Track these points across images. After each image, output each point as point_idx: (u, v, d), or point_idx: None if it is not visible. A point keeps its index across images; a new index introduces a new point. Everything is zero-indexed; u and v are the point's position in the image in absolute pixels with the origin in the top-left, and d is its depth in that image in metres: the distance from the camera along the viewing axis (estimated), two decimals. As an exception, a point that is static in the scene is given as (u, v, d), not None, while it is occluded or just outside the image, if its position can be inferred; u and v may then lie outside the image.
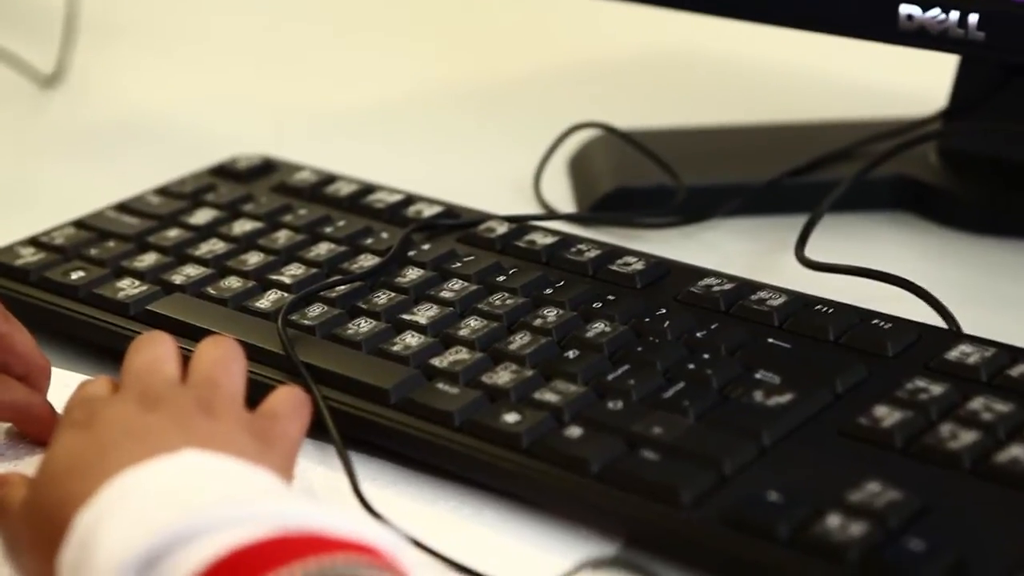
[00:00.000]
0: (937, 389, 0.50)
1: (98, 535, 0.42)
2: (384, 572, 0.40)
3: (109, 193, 0.70)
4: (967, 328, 0.57)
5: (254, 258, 0.61)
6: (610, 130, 0.74)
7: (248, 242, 0.63)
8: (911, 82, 0.80)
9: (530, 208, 0.73)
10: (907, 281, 0.59)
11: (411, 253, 0.61)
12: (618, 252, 0.61)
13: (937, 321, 0.58)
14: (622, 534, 0.48)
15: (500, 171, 0.75)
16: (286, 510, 0.41)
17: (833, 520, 0.45)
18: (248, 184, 0.69)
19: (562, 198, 0.73)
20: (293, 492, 0.45)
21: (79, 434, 0.46)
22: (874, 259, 0.67)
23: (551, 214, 0.69)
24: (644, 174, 0.71)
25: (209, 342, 0.50)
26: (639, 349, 0.54)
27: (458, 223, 0.64)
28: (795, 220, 0.67)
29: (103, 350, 0.58)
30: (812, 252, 0.64)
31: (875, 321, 0.55)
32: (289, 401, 0.49)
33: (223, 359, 0.49)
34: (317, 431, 0.51)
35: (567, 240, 0.62)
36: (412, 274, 0.59)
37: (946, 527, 0.45)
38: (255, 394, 0.51)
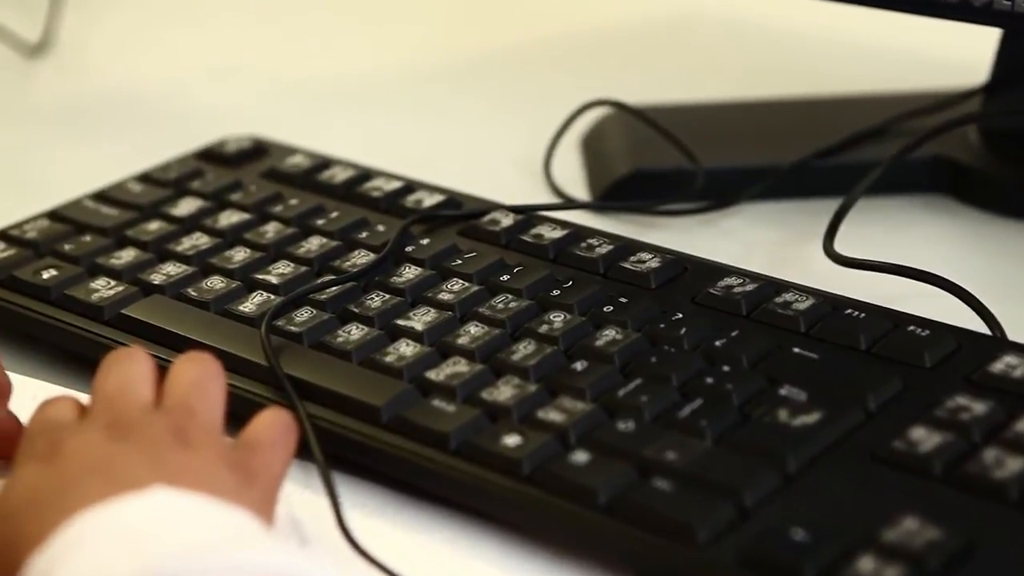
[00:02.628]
0: (980, 408, 0.46)
1: None
2: None
3: (93, 174, 0.66)
4: (1012, 331, 0.53)
5: (240, 255, 0.57)
6: (623, 108, 0.69)
7: (234, 236, 0.58)
8: (949, 49, 0.75)
9: (540, 192, 0.68)
10: (946, 281, 0.54)
11: (409, 248, 0.57)
12: (631, 247, 0.56)
13: (978, 323, 0.53)
14: (632, 572, 0.44)
15: (507, 151, 0.71)
16: (258, 560, 0.37)
17: (866, 564, 0.40)
18: (237, 169, 0.64)
19: (574, 181, 0.69)
20: (269, 536, 0.41)
21: (39, 467, 0.42)
22: (909, 249, 0.62)
23: (559, 204, 0.65)
24: (661, 155, 0.66)
25: (185, 360, 0.46)
26: (653, 360, 0.49)
27: (460, 214, 0.59)
28: (824, 205, 0.62)
29: (76, 357, 0.54)
30: (842, 240, 0.60)
31: (911, 327, 0.50)
32: (273, 428, 0.44)
33: (200, 381, 0.44)
34: (302, 451, 0.47)
35: (577, 233, 0.57)
36: (409, 273, 0.55)
37: (993, 570, 0.40)
38: (237, 409, 0.47)
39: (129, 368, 0.45)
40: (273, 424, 0.45)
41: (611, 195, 0.66)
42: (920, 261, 0.57)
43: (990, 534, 0.42)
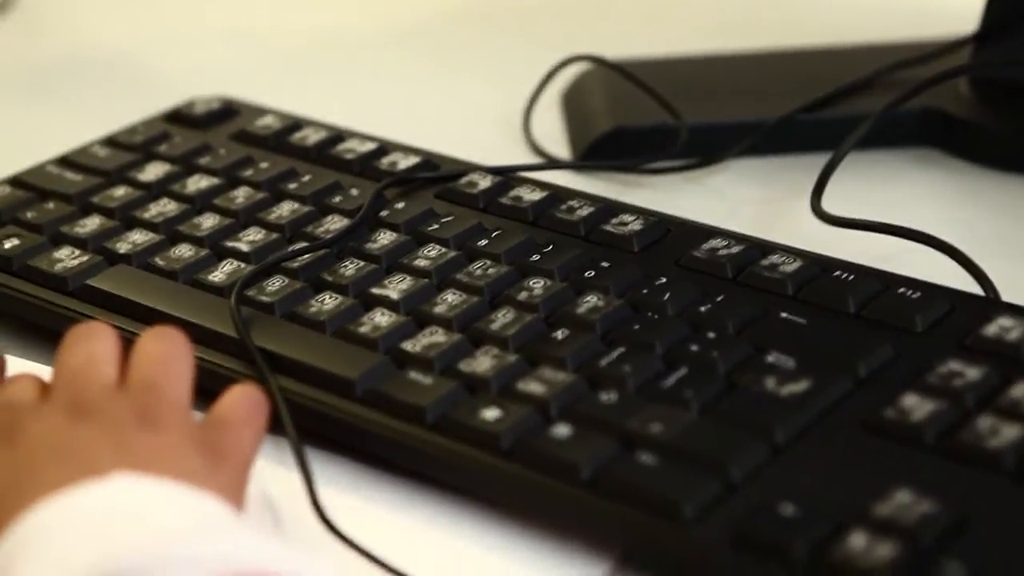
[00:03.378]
0: (974, 373, 0.44)
1: (13, 574, 0.36)
2: None
3: (57, 138, 0.64)
4: (1005, 289, 0.51)
5: (209, 221, 0.55)
6: (603, 63, 0.67)
7: (203, 202, 0.56)
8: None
9: (519, 151, 0.66)
10: (937, 239, 0.53)
11: (384, 213, 0.55)
12: (613, 209, 0.54)
13: (971, 282, 0.52)
14: (616, 550, 0.42)
15: (485, 110, 0.69)
16: (226, 551, 0.36)
17: (857, 539, 0.39)
18: (206, 131, 0.62)
19: (555, 139, 0.67)
20: (240, 523, 0.39)
21: None
22: (899, 204, 0.61)
23: (538, 164, 0.63)
24: (644, 112, 0.64)
25: (151, 336, 0.43)
26: (636, 327, 0.48)
27: (436, 176, 0.57)
28: (811, 160, 0.60)
29: (39, 330, 0.52)
30: (830, 196, 0.58)
31: (901, 289, 0.48)
32: (242, 405, 0.43)
33: (166, 358, 0.42)
34: (274, 426, 0.45)
35: (557, 195, 0.55)
36: (384, 238, 0.53)
37: (987, 543, 0.39)
38: (207, 383, 0.46)
39: (92, 345, 0.43)
40: (242, 401, 0.43)
41: (593, 153, 0.64)
42: (910, 217, 0.56)
43: (984, 506, 0.40)
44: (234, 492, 0.41)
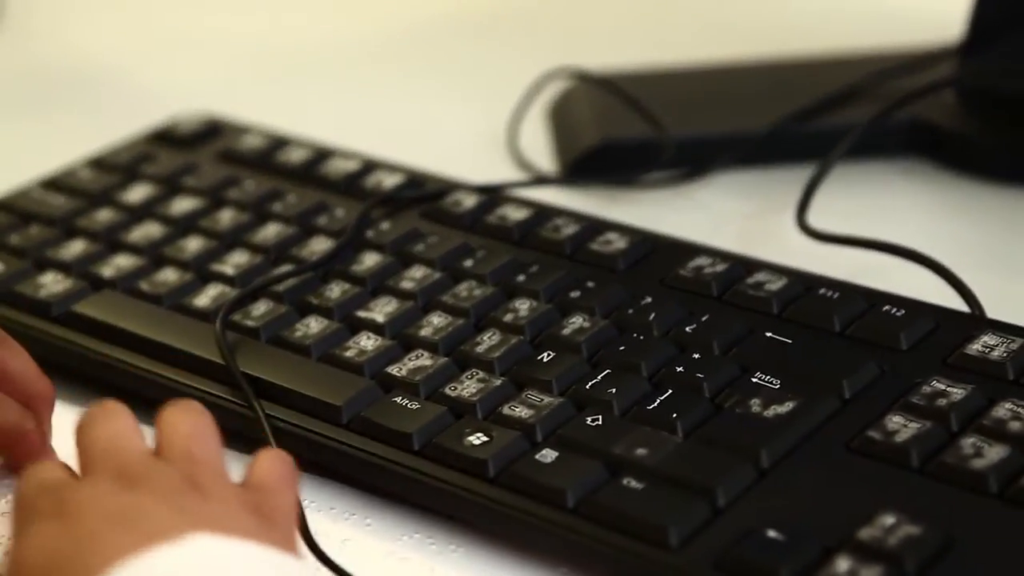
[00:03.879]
0: (958, 392, 0.44)
1: None
2: None
3: (43, 151, 0.64)
4: (990, 302, 0.51)
5: (194, 244, 0.55)
6: (586, 77, 0.67)
7: (187, 224, 0.56)
8: (921, 1, 0.73)
9: (506, 166, 0.66)
10: (922, 255, 0.53)
11: (369, 234, 0.55)
12: (599, 227, 0.54)
13: (956, 297, 0.52)
14: (606, 575, 0.43)
15: (470, 125, 0.68)
16: None
17: (842, 564, 0.39)
18: (190, 151, 0.62)
19: (541, 153, 0.66)
20: None
21: (50, 525, 0.39)
22: (885, 216, 0.61)
23: (524, 181, 0.62)
24: (630, 125, 0.64)
25: (175, 411, 0.43)
26: (621, 348, 0.48)
27: (421, 195, 0.57)
28: (798, 173, 0.60)
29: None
30: (817, 209, 0.58)
31: (886, 307, 0.49)
32: (278, 469, 0.42)
33: (197, 430, 0.42)
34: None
35: (543, 213, 0.55)
36: (369, 260, 0.53)
37: (972, 566, 0.39)
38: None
39: (117, 421, 0.42)
40: (277, 465, 0.42)
41: (579, 168, 0.64)
42: (897, 230, 0.56)
43: (969, 528, 0.40)
44: (288, 551, 0.40)
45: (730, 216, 0.61)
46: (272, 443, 0.46)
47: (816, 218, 0.58)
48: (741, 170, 0.64)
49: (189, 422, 0.42)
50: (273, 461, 0.42)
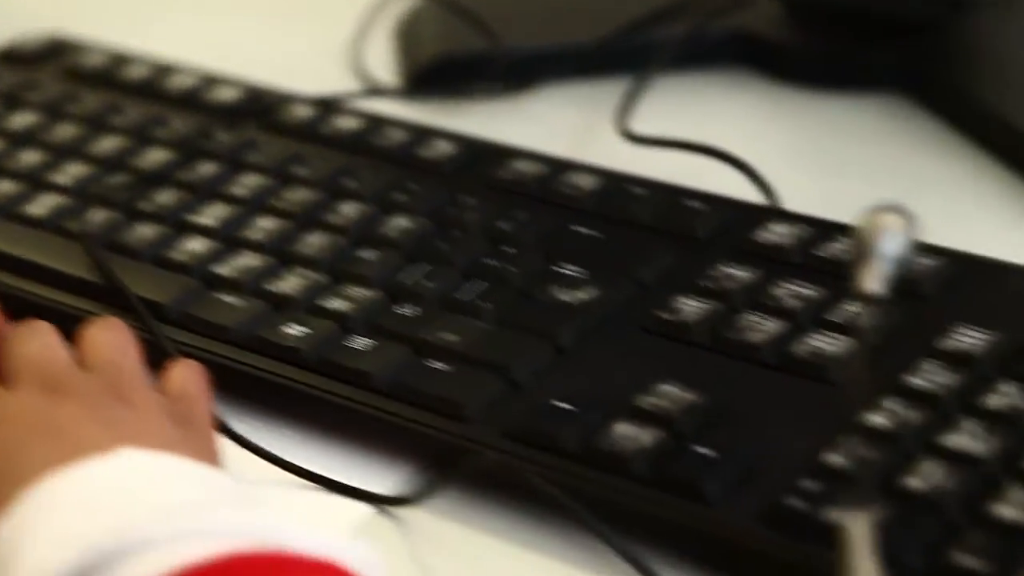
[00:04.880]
0: (744, 275, 0.48)
1: (21, 550, 0.36)
2: None
3: None
4: (794, 198, 0.55)
5: (31, 157, 0.57)
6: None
7: (26, 138, 0.58)
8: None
9: (351, 82, 0.68)
10: (727, 154, 0.56)
11: (205, 144, 0.57)
12: (427, 135, 0.57)
13: (762, 196, 0.55)
14: (419, 454, 0.45)
15: (316, 40, 0.70)
16: (237, 524, 0.36)
17: (623, 429, 0.42)
18: (33, 69, 0.63)
19: (387, 70, 0.69)
20: (242, 494, 0.39)
21: None
22: (705, 122, 0.64)
23: (358, 92, 0.65)
24: (470, 40, 0.67)
25: (95, 326, 0.45)
26: (439, 245, 0.51)
27: (259, 107, 0.59)
28: (627, 84, 0.63)
29: None
30: (641, 119, 0.61)
31: (688, 202, 0.52)
32: (194, 377, 0.44)
33: (118, 342, 0.44)
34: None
35: (376, 123, 0.58)
36: (203, 169, 0.55)
37: (742, 429, 0.42)
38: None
39: (44, 337, 0.44)
40: (193, 375, 0.44)
41: (420, 81, 0.66)
42: (717, 135, 0.59)
43: (744, 395, 0.44)
44: (216, 462, 0.42)
45: (559, 125, 0.64)
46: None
47: (642, 125, 0.61)
48: (572, 81, 0.67)
49: (110, 335, 0.44)
50: (189, 371, 0.45)
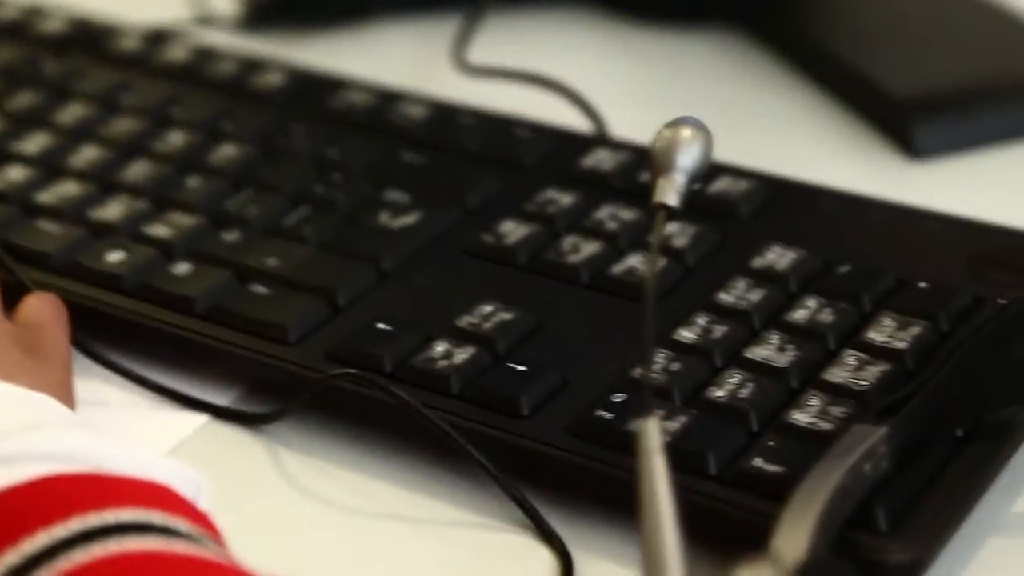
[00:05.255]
0: (566, 200, 0.49)
1: None
2: (178, 517, 0.34)
3: None
4: (623, 130, 0.56)
5: None
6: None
7: None
8: None
9: (188, 14, 0.67)
10: (558, 84, 0.57)
11: (31, 73, 0.56)
12: (259, 66, 0.56)
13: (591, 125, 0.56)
14: (242, 379, 0.45)
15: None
16: (61, 446, 0.35)
17: (440, 347, 0.43)
18: None
19: (231, 4, 0.68)
20: (75, 419, 0.39)
21: None
22: (544, 57, 0.64)
23: (191, 18, 0.64)
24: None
25: None
26: (266, 173, 0.51)
27: (88, 36, 0.58)
28: (465, 17, 0.64)
29: None
30: (479, 52, 0.61)
31: (516, 130, 0.52)
32: (50, 308, 0.44)
33: None
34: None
35: (207, 54, 0.57)
36: (28, 98, 0.54)
37: (556, 346, 0.43)
38: None
39: None
40: (48, 305, 0.44)
41: (259, 15, 0.66)
42: (553, 67, 0.60)
43: (560, 314, 0.45)
44: (63, 392, 0.42)
45: (397, 58, 0.64)
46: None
47: (480, 58, 0.61)
48: (412, 14, 0.67)
49: None
50: (43, 301, 0.44)
